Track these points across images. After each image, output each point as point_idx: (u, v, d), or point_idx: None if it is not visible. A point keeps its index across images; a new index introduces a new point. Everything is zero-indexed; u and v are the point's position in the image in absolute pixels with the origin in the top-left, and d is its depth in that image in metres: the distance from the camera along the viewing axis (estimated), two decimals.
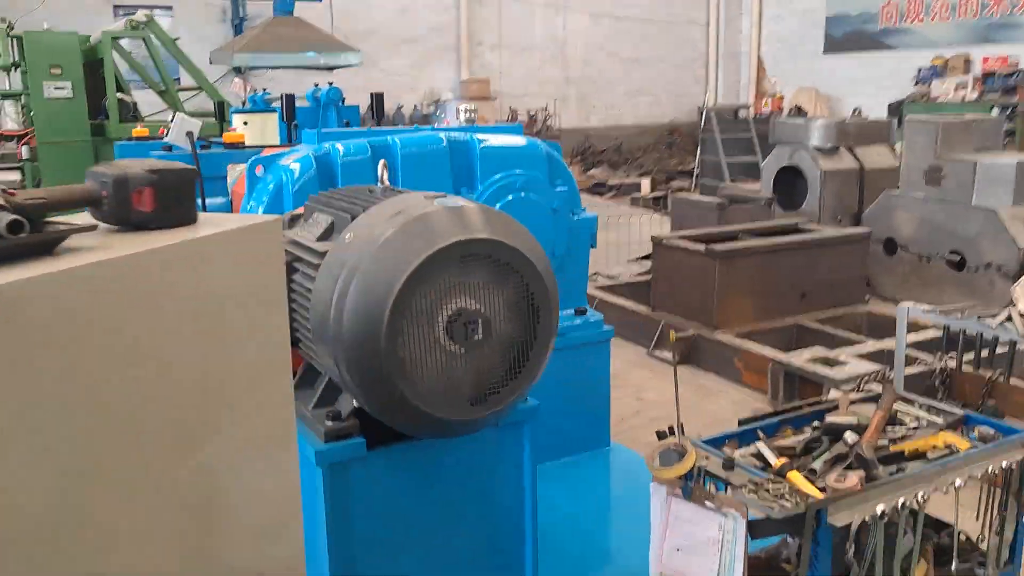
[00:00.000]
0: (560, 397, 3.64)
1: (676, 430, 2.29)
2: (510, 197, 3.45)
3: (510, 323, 2.08)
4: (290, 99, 5.67)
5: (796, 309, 5.96)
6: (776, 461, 2.11)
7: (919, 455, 2.15)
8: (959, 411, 2.43)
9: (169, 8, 15.26)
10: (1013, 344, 3.96)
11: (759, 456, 2.18)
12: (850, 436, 2.16)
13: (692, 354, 5.79)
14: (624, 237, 8.40)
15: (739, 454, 2.21)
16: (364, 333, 1.91)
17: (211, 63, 13.81)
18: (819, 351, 5.12)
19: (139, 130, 5.89)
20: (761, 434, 2.32)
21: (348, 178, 3.22)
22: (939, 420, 2.39)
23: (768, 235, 6.32)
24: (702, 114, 13.74)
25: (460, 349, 2.01)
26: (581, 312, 3.71)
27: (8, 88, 7.65)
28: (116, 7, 14.93)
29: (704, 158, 12.81)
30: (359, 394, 2.04)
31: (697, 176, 13.16)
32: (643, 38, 19.57)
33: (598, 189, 14.71)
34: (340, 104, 5.45)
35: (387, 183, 2.39)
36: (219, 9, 15.77)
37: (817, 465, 2.08)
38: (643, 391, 5.38)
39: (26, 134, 7.75)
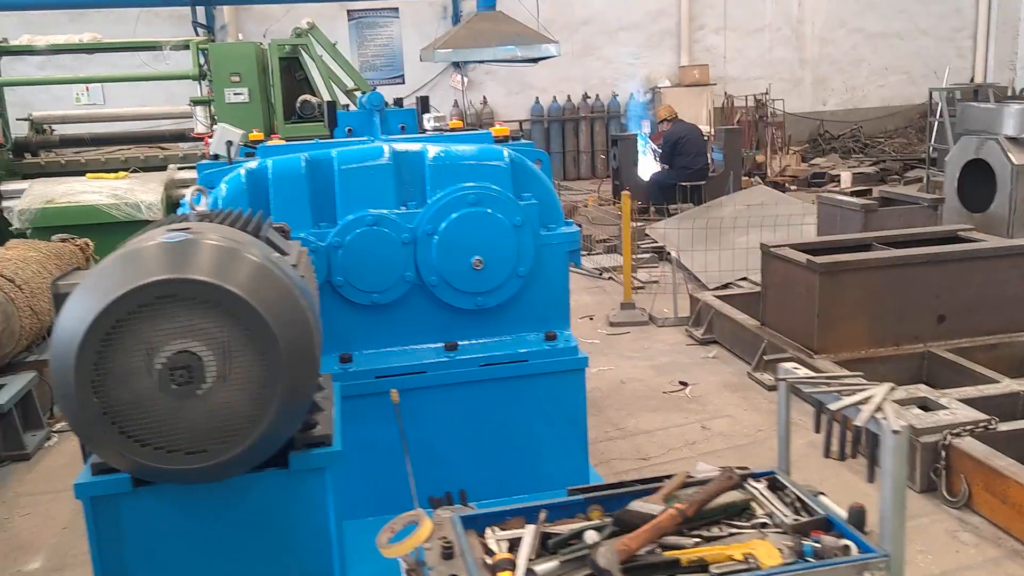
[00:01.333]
0: (525, 428, 3.39)
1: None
2: (460, 212, 3.23)
3: (234, 370, 1.93)
4: (331, 105, 5.80)
5: (930, 335, 5.02)
6: (496, 556, 1.77)
7: (695, 568, 1.69)
8: (823, 512, 1.89)
9: (395, 10, 16.18)
10: None
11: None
12: (590, 536, 1.76)
13: None
14: (783, 238, 7.62)
15: (496, 537, 1.88)
16: (61, 379, 1.87)
17: (421, 60, 14.48)
18: (921, 389, 4.31)
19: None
20: (512, 521, 1.95)
21: (280, 194, 3.19)
22: (790, 519, 1.88)
23: (911, 244, 5.39)
24: (932, 96, 12.07)
25: (174, 396, 1.91)
26: (551, 337, 3.40)
27: (200, 95, 8.51)
28: (349, 11, 16.15)
29: (938, 146, 11.22)
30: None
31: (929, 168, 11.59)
32: (897, 9, 17.59)
33: (816, 180, 13.48)
34: (383, 109, 5.41)
35: (196, 209, 2.31)
36: (440, 7, 16.44)
37: (544, 567, 1.71)
38: (716, 418, 4.84)
39: (201, 137, 8.61)
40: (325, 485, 2.25)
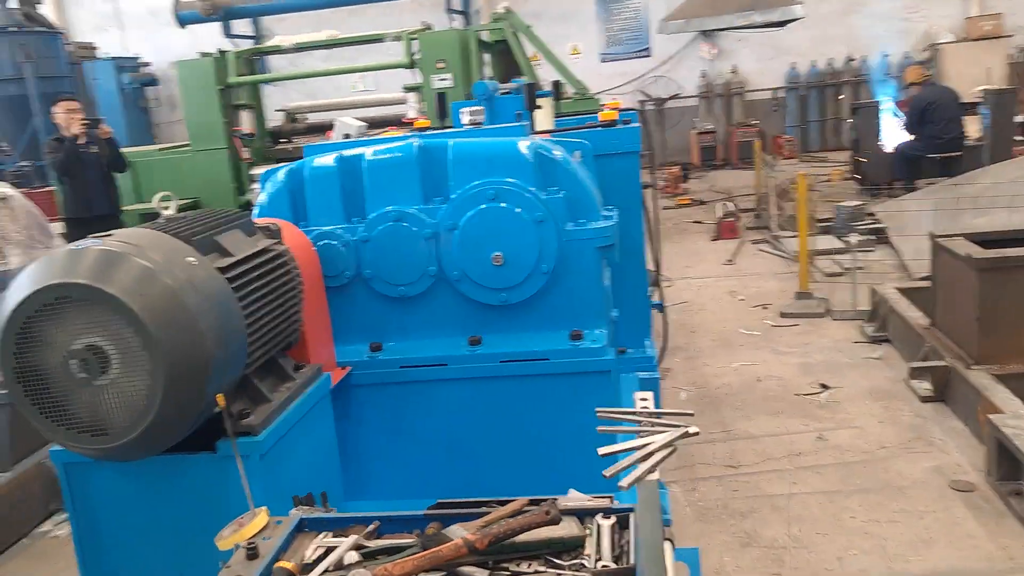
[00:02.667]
0: (545, 428, 3.33)
1: None
2: (479, 207, 3.22)
3: (126, 363, 2.14)
4: (530, 88, 5.80)
5: None
6: (290, 565, 1.79)
7: None
8: (632, 565, 1.69)
9: None
10: None
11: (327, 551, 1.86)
12: (349, 556, 1.71)
13: (946, 390, 4.42)
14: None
15: (315, 544, 1.91)
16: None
17: (658, 32, 14.13)
18: None
19: (421, 122, 6.55)
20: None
21: (314, 192, 3.39)
22: (596, 567, 1.71)
23: None
24: None
25: (79, 384, 2.17)
26: (576, 336, 3.27)
27: (412, 83, 9.10)
28: None
29: None
30: None
31: None
32: None
33: None
34: (492, 98, 5.34)
35: (164, 215, 2.56)
36: None
37: None
38: (842, 428, 4.33)
39: (411, 122, 9.15)
40: (251, 470, 2.42)
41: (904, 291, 5.54)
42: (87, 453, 2.27)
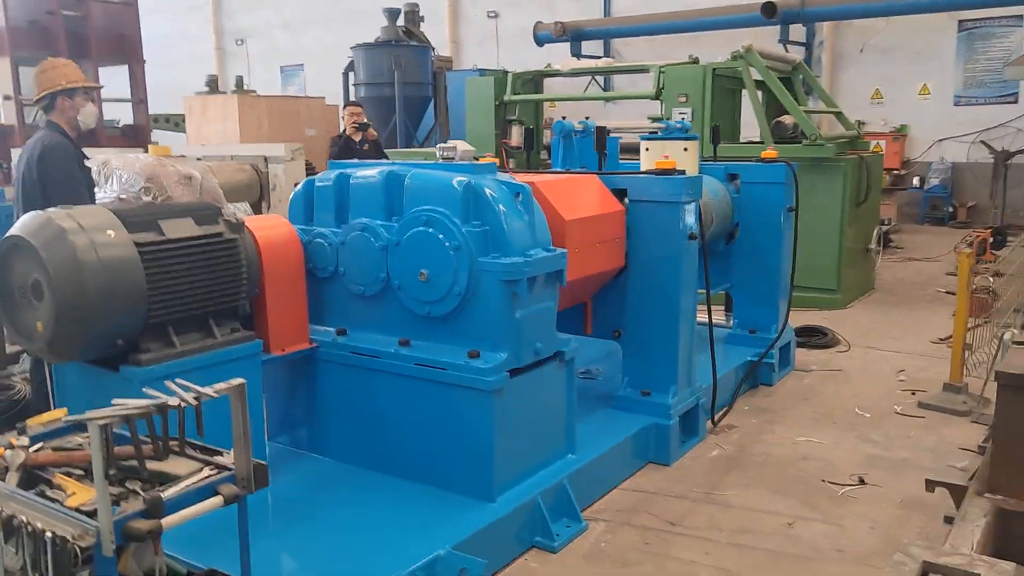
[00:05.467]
0: (438, 429, 3.77)
1: None
2: (416, 229, 3.75)
3: (44, 298, 3.12)
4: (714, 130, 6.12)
5: None
6: None
7: None
8: None
9: (1020, 18, 13.92)
10: None
11: None
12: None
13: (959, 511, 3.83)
14: None
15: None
16: None
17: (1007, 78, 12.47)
18: None
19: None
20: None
21: (319, 200, 4.16)
22: None
23: None
24: None
25: (24, 305, 3.21)
26: (473, 355, 3.63)
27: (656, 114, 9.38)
28: (960, 21, 14.48)
29: None
30: None
31: None
32: None
33: None
34: (571, 136, 5.36)
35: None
36: None
37: None
38: (821, 523, 4.00)
39: None
40: (136, 392, 3.30)
41: None
42: (28, 351, 3.33)
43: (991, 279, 8.24)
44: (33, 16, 10.57)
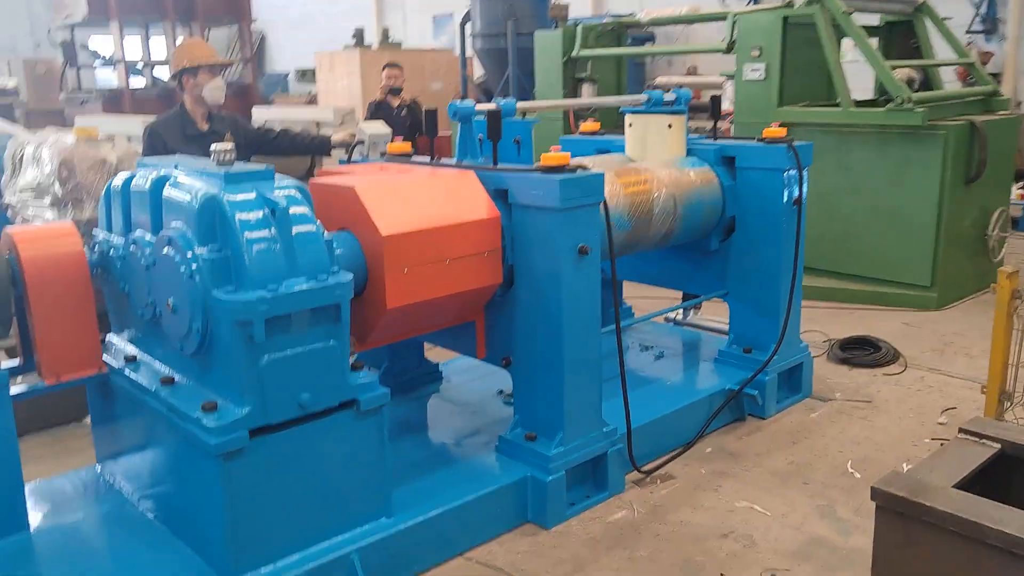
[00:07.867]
0: (187, 487, 3.23)
1: None
2: (160, 251, 3.14)
3: None
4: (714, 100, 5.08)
5: None
6: None
7: None
8: None
9: None
10: None
11: None
12: None
13: None
14: None
15: None
16: None
17: None
18: None
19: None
20: None
21: (119, 205, 3.61)
22: None
23: None
24: None
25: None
26: (208, 408, 2.97)
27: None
28: None
29: None
30: None
31: None
32: None
33: None
34: (471, 118, 4.22)
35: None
36: None
37: None
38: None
39: (729, 113, 8.04)
40: None
41: None
42: None
43: None
44: None
